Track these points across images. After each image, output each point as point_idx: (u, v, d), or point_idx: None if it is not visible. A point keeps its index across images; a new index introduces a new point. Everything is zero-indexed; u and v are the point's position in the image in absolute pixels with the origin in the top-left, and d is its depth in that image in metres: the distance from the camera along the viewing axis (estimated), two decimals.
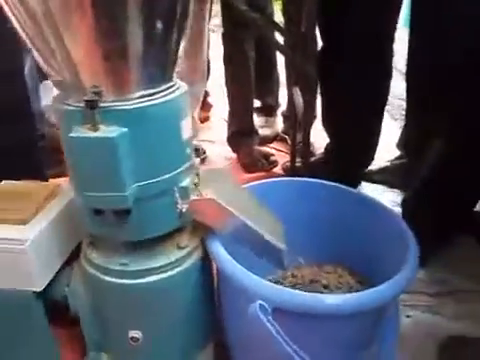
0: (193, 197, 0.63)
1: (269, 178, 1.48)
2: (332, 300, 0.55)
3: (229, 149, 1.60)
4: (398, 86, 1.45)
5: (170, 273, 0.64)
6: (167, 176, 0.59)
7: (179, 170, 0.61)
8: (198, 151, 1.55)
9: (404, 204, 1.11)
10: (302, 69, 1.15)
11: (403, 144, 1.35)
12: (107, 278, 0.63)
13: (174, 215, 0.62)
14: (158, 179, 0.58)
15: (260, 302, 0.56)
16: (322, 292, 0.73)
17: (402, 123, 1.88)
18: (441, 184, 1.03)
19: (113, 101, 0.53)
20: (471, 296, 0.96)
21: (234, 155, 1.59)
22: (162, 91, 0.57)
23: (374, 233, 0.79)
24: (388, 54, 1.15)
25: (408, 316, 0.92)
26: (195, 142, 1.61)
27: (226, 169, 0.68)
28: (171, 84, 0.59)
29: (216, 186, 0.68)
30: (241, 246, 0.67)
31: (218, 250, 0.64)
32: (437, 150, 1.04)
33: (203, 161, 1.55)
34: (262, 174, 1.44)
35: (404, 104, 2.04)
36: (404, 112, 1.98)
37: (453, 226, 1.10)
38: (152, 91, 0.56)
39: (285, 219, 0.86)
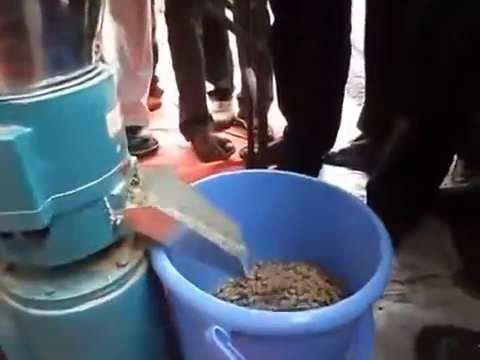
0: (129, 205, 0.52)
1: (227, 167, 1.39)
2: (300, 318, 0.46)
3: (183, 137, 1.48)
4: (356, 63, 1.37)
5: (109, 297, 0.53)
6: (92, 184, 0.47)
7: (108, 175, 0.49)
8: (148, 141, 1.43)
9: (369, 187, 1.04)
10: (254, 48, 1.05)
11: (363, 124, 1.28)
12: (31, 311, 0.51)
13: (107, 229, 0.51)
14: (80, 189, 0.46)
15: (216, 327, 0.47)
16: (288, 298, 0.65)
17: (361, 101, 1.83)
18: (406, 164, 0.96)
19: (8, 94, 0.41)
20: (441, 281, 0.91)
21: (189, 144, 1.47)
22: (76, 78, 0.45)
23: (343, 227, 0.71)
24: (346, 29, 1.06)
25: (380, 308, 0.85)
26: (146, 131, 1.48)
27: (169, 167, 0.56)
28: (89, 68, 0.47)
29: (158, 189, 0.57)
30: (192, 257, 0.57)
31: (164, 266, 0.53)
32: (400, 129, 0.97)
33: (155, 152, 1.42)
34: (219, 163, 1.33)
35: (362, 82, 2.00)
36: (362, 90, 1.93)
37: (420, 207, 1.05)
38: (62, 78, 0.43)
39: (245, 216, 0.76)
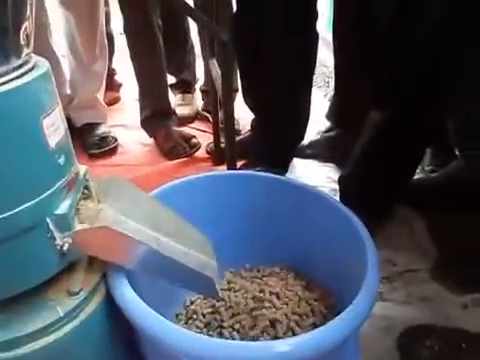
0: (79, 226, 0.44)
1: (193, 164, 1.31)
2: (282, 347, 0.40)
3: (145, 134, 1.38)
4: (321, 52, 1.31)
5: (61, 333, 0.44)
6: (30, 204, 0.39)
7: (49, 192, 0.40)
8: (107, 139, 1.32)
9: (342, 181, 0.99)
10: (218, 37, 0.97)
11: (333, 115, 1.23)
12: None
13: (52, 257, 0.43)
14: (15, 211, 0.38)
15: None
16: (264, 314, 0.58)
17: (327, 91, 1.79)
18: (379, 157, 0.92)
19: None
20: (419, 276, 0.88)
21: (151, 140, 1.38)
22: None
23: (319, 230, 0.66)
24: (312, 16, 0.99)
25: None
26: (104, 128, 1.37)
27: (123, 178, 0.48)
28: (16, 64, 0.38)
29: (114, 201, 0.49)
30: (158, 278, 0.49)
31: (123, 293, 0.45)
32: (372, 121, 0.93)
33: (115, 150, 1.32)
34: (185, 160, 1.25)
35: (327, 71, 1.95)
36: (328, 80, 1.89)
37: (393, 200, 1.01)
38: None
39: (213, 222, 0.69)
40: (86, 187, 0.49)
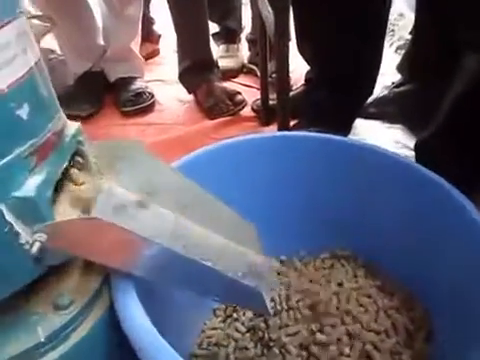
0: (59, 216, 0.28)
1: (237, 124, 1.13)
2: None
3: (184, 90, 1.21)
4: None
5: None
6: None
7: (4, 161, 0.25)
8: (142, 95, 1.16)
9: (421, 147, 0.78)
10: None
11: (407, 66, 0.99)
12: None
13: (17, 260, 0.27)
14: None
15: None
16: (329, 333, 0.41)
17: (392, 41, 1.51)
18: (474, 117, 0.70)
19: None
20: None
21: (191, 97, 1.20)
22: None
23: (406, 210, 0.47)
24: None
25: None
26: (140, 83, 1.21)
27: (138, 143, 0.30)
28: None
29: (122, 179, 0.33)
30: (179, 289, 0.33)
31: (132, 315, 0.30)
32: (466, 70, 0.70)
33: (150, 108, 1.16)
34: (228, 119, 1.07)
35: (391, 18, 1.66)
36: (393, 28, 1.60)
37: None
38: None
39: (264, 195, 0.53)
40: (79, 154, 0.33)
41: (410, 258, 0.49)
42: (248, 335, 0.49)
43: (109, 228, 0.27)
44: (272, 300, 0.48)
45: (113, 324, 0.32)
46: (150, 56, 1.45)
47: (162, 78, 1.34)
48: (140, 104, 1.14)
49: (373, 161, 0.50)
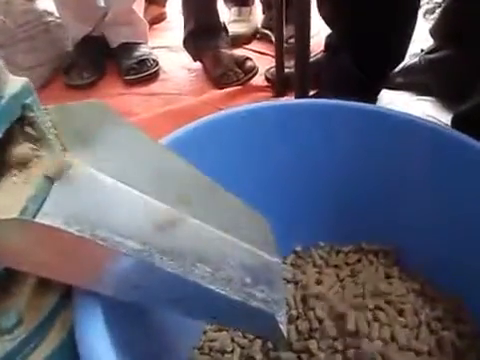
0: None
1: (248, 94, 1.03)
2: None
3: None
4: None
5: None
6: None
7: None
8: (146, 63, 1.06)
9: (458, 122, 0.67)
10: None
11: (442, 29, 0.86)
12: None
13: None
14: None
15: None
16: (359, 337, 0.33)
17: (422, 3, 1.36)
18: None
19: None
20: None
21: (199, 65, 1.09)
22: None
23: (458, 197, 0.38)
24: None
25: None
26: (144, 49, 1.09)
27: (107, 107, 0.20)
28: None
29: (91, 155, 0.24)
30: (161, 310, 0.25)
31: (93, 346, 0.21)
32: None
33: (154, 76, 1.06)
34: (237, 88, 0.96)
35: None
36: None
37: None
38: None
39: (279, 175, 0.44)
40: (29, 123, 0.24)
41: (454, 256, 0.39)
42: (258, 342, 0.40)
43: (55, 234, 0.18)
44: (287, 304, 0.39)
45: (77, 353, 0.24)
46: (156, 20, 1.33)
47: (168, 44, 1.22)
48: (144, 72, 1.04)
49: (416, 136, 0.40)
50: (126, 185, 0.26)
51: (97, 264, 0.20)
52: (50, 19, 1.09)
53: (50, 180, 0.24)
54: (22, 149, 0.24)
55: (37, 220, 0.19)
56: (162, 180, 0.27)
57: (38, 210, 0.22)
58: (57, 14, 1.10)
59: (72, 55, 1.08)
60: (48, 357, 0.24)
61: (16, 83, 0.23)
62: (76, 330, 0.22)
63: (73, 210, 0.23)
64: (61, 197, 0.23)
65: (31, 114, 0.24)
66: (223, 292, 0.23)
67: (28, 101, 0.23)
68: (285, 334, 0.24)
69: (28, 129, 0.24)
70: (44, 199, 0.23)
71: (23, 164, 0.24)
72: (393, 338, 0.33)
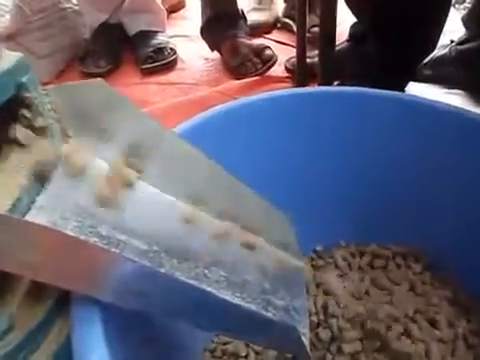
0: None
1: (267, 85, 0.99)
2: None
3: None
4: None
5: None
6: None
7: None
8: (163, 51, 1.03)
9: None
10: None
11: (475, 18, 0.80)
12: None
13: None
14: None
15: None
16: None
17: None
18: None
19: None
20: None
21: (217, 54, 1.06)
22: None
23: None
24: None
25: None
26: (162, 38, 1.06)
27: (107, 88, 0.17)
28: None
29: (98, 142, 0.21)
30: (169, 320, 0.22)
31: (85, 350, 0.18)
32: None
33: (172, 65, 1.03)
34: (255, 79, 0.93)
35: None
36: None
37: None
38: None
39: (298, 168, 0.41)
40: (26, 104, 0.21)
41: None
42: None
43: (47, 233, 0.16)
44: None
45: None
46: (174, 9, 1.30)
47: (186, 33, 1.19)
48: (161, 61, 1.01)
49: (455, 129, 0.36)
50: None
51: (95, 267, 0.17)
52: (67, 6, 1.07)
53: (48, 169, 0.21)
54: (18, 134, 0.21)
55: (28, 218, 0.16)
56: (173, 171, 0.24)
57: (32, 203, 0.20)
58: (74, 1, 1.08)
59: (89, 43, 1.06)
60: None
61: (10, 58, 0.20)
62: (72, 340, 0.19)
63: (72, 203, 0.20)
64: (59, 188, 0.20)
65: (27, 95, 0.21)
66: (238, 300, 0.20)
67: (24, 80, 0.20)
68: (308, 348, 0.21)
69: (24, 111, 0.21)
70: (40, 190, 0.20)
71: (18, 151, 0.21)
72: (427, 354, 0.30)
